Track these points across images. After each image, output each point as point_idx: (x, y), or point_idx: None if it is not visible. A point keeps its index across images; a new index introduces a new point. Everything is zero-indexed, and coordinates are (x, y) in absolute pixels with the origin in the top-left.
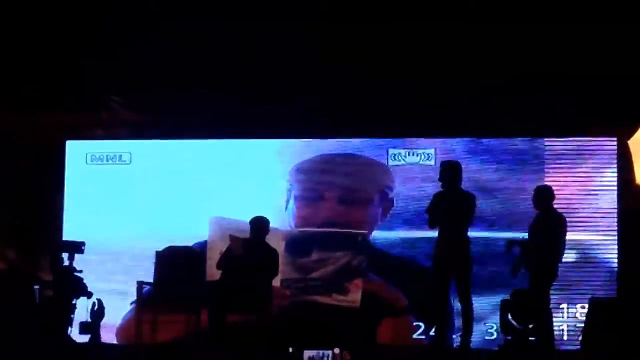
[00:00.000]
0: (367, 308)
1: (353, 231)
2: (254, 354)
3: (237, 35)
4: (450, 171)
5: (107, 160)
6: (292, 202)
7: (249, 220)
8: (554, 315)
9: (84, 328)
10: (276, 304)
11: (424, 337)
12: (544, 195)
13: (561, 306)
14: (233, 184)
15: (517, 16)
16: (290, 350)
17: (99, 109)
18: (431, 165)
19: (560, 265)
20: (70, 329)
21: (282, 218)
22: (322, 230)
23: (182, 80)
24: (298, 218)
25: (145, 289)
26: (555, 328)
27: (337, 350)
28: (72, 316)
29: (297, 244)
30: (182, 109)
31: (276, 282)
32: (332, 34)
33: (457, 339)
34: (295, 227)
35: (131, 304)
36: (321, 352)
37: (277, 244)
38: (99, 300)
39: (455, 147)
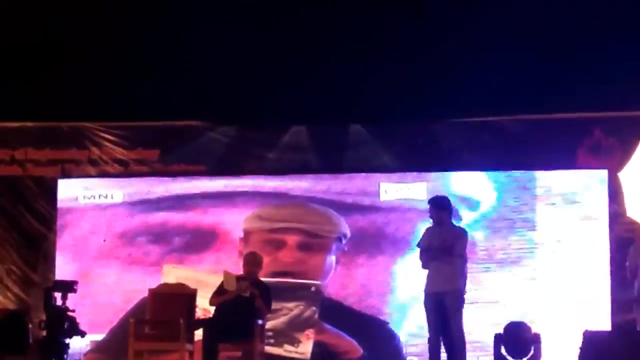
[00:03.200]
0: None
1: (306, 281)
2: None
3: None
4: (439, 206)
5: (99, 198)
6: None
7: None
8: (549, 347)
9: None
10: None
11: None
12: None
13: (555, 338)
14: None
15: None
16: None
17: (91, 147)
18: (423, 200)
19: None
20: None
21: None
22: (274, 280)
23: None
24: None
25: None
26: None
27: None
28: (66, 356)
29: None
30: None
31: None
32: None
33: None
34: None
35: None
36: None
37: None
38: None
39: (446, 180)
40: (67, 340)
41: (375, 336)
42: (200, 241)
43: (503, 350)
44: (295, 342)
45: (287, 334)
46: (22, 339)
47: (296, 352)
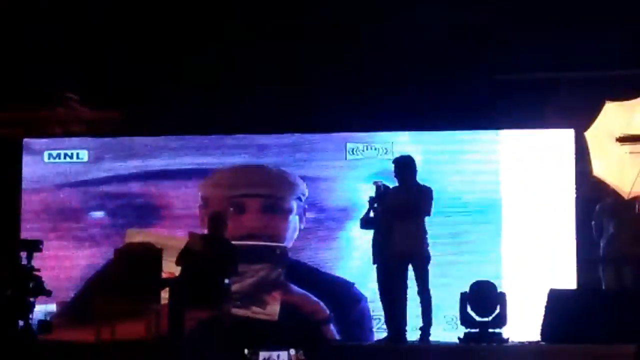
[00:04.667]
0: (286, 320)
1: (271, 244)
2: (210, 355)
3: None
4: (404, 165)
5: (64, 158)
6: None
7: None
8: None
9: (43, 327)
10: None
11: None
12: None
13: (521, 297)
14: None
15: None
16: (246, 352)
17: (56, 106)
18: (389, 159)
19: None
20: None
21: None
22: (239, 243)
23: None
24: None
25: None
26: (514, 319)
27: (292, 351)
28: (31, 315)
29: None
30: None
31: None
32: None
33: (416, 332)
34: None
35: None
36: (276, 353)
37: None
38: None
39: (411, 139)
40: (32, 299)
41: (341, 297)
42: (161, 210)
43: (469, 309)
44: (262, 303)
45: (253, 296)
46: None
47: (264, 314)
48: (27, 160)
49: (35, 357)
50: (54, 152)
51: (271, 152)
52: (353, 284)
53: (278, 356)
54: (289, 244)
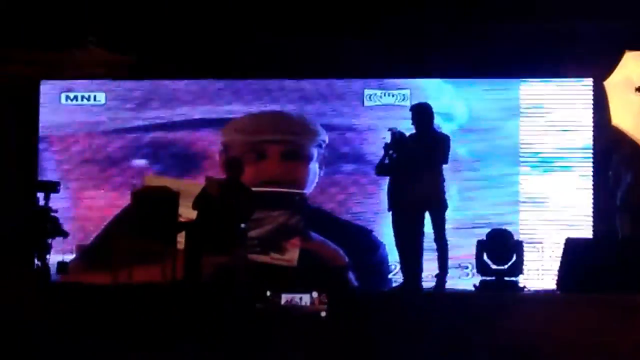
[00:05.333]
0: (305, 265)
1: (290, 190)
2: (230, 298)
3: None
4: (421, 113)
5: (82, 100)
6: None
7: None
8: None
9: (60, 267)
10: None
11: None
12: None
13: (537, 245)
14: None
15: None
16: (268, 293)
17: (74, 48)
18: (406, 106)
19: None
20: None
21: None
22: (258, 190)
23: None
24: None
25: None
26: (531, 267)
27: (314, 294)
28: (48, 256)
29: None
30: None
31: None
32: None
33: (433, 279)
34: None
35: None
36: (298, 295)
37: None
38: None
39: (429, 87)
40: (50, 241)
41: (360, 244)
42: (185, 157)
43: (485, 257)
44: (281, 249)
45: (273, 242)
46: None
47: (282, 259)
48: (44, 101)
49: (51, 297)
50: (71, 95)
51: (287, 98)
52: (371, 231)
53: (300, 298)
54: (308, 190)
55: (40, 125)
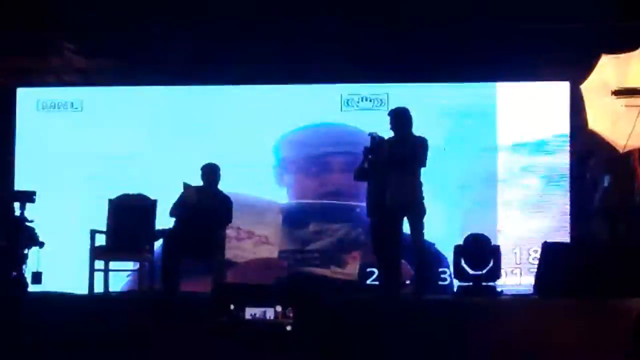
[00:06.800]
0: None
1: (350, 203)
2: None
3: None
4: (399, 117)
5: (58, 107)
6: (287, 173)
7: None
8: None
9: (35, 278)
10: (273, 275)
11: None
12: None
13: (514, 250)
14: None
15: None
16: (232, 307)
17: (50, 54)
18: (384, 111)
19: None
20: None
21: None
22: (318, 202)
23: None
24: (297, 190)
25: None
26: (509, 272)
27: (278, 308)
28: (24, 266)
29: (294, 216)
30: (136, 53)
31: (273, 254)
32: None
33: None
34: (292, 199)
35: None
36: (263, 309)
37: (274, 216)
38: None
39: (407, 91)
40: (26, 251)
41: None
42: None
43: (462, 262)
44: (341, 263)
45: (333, 256)
46: None
47: (343, 273)
48: (20, 109)
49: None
50: (48, 101)
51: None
52: (433, 244)
53: (265, 312)
54: None
55: (17, 132)
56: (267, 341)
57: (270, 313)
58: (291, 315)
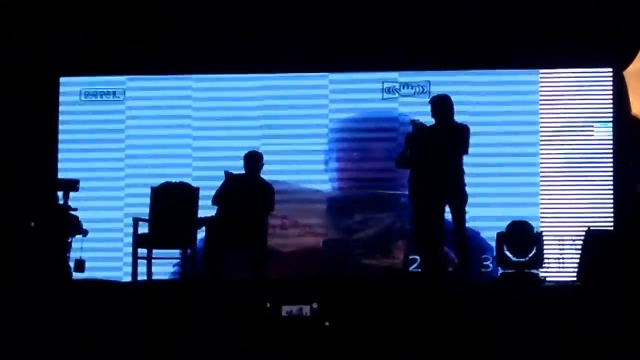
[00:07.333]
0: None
1: (396, 192)
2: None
3: None
4: (441, 105)
5: (101, 96)
6: (332, 161)
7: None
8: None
9: (78, 265)
10: (318, 263)
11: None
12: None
13: (557, 237)
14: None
15: None
16: (268, 305)
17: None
18: (425, 98)
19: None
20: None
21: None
22: (364, 191)
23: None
24: (341, 178)
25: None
26: (553, 260)
27: (315, 305)
28: (68, 254)
29: (339, 204)
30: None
31: (318, 243)
32: None
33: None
34: (337, 187)
35: None
36: (299, 307)
37: (319, 205)
38: None
39: (449, 79)
40: (70, 239)
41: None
42: None
43: (505, 249)
44: (387, 252)
45: (378, 245)
46: None
47: (389, 263)
48: (63, 99)
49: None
50: (91, 90)
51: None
52: (478, 232)
53: (301, 309)
54: None
55: (60, 121)
56: (303, 338)
57: (306, 310)
58: (327, 312)
